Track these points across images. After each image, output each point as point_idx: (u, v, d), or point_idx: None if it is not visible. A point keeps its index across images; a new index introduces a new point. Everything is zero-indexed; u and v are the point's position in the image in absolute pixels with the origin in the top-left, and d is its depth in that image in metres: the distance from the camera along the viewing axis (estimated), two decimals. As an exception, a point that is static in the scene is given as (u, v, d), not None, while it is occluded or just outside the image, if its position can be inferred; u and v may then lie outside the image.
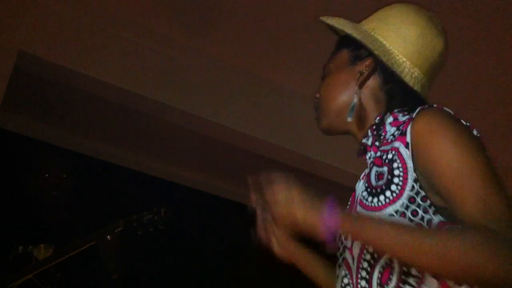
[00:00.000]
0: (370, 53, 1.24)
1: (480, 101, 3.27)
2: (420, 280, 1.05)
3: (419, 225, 1.06)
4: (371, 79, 1.25)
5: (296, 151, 3.31)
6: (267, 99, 3.32)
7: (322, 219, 1.04)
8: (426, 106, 1.14)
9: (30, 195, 3.38)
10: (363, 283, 1.11)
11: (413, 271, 1.05)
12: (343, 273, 1.18)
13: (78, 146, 3.62)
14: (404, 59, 1.23)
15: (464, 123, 1.12)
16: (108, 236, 2.12)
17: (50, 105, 3.28)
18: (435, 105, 1.13)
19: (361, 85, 1.25)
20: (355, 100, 1.24)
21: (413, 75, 1.23)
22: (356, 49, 1.27)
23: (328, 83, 1.30)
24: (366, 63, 1.25)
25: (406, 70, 1.22)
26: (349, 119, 1.23)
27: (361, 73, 1.25)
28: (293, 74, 3.23)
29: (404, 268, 1.06)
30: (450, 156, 1.05)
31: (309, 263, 1.40)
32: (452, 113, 1.12)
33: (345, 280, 1.16)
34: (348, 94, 1.26)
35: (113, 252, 2.10)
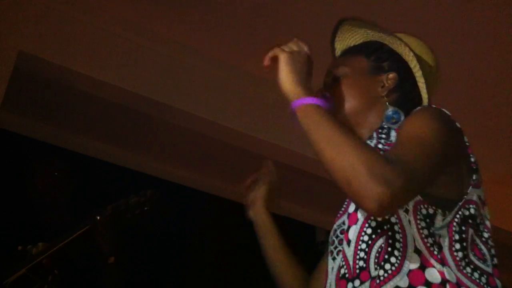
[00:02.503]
0: (392, 68, 1.35)
1: (480, 101, 3.27)
2: (402, 255, 1.11)
3: (405, 211, 1.14)
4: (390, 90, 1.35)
5: (296, 151, 3.31)
6: (267, 99, 3.32)
7: (296, 96, 1.17)
8: (425, 105, 1.21)
9: (30, 195, 3.38)
10: (361, 263, 1.16)
11: (397, 244, 1.12)
12: (338, 264, 1.22)
13: (78, 146, 3.62)
14: (422, 80, 1.34)
15: (457, 125, 1.20)
16: (98, 217, 2.14)
17: (50, 105, 3.28)
18: (433, 106, 1.23)
19: (388, 95, 1.34)
20: (390, 109, 1.31)
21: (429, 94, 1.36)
22: (378, 61, 1.36)
23: (349, 85, 1.35)
24: (390, 76, 1.35)
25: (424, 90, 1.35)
26: (385, 123, 1.32)
27: (384, 84, 1.34)
28: (293, 74, 3.23)
29: (390, 243, 1.12)
30: (413, 126, 1.14)
31: (268, 235, 1.52)
32: (448, 113, 1.20)
33: (342, 271, 1.20)
34: (367, 99, 1.34)
35: (106, 235, 2.12)
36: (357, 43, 1.44)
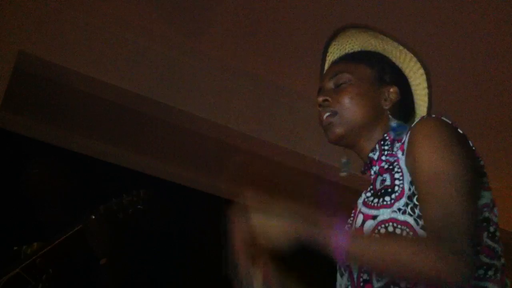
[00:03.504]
0: (394, 82, 1.34)
1: (480, 101, 3.27)
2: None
3: (416, 221, 1.13)
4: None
5: (296, 151, 3.31)
6: (267, 100, 3.32)
7: (331, 237, 1.06)
8: (425, 116, 1.22)
9: (30, 195, 3.37)
10: (365, 276, 1.16)
11: None
12: (345, 280, 1.23)
13: (78, 146, 3.62)
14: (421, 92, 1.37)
15: (460, 132, 1.19)
16: (93, 216, 2.13)
17: (50, 105, 3.28)
18: (433, 115, 1.21)
19: (391, 108, 1.33)
20: (395, 122, 1.31)
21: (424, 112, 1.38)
22: (381, 72, 1.35)
23: (355, 94, 1.32)
24: (392, 89, 1.34)
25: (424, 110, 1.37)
26: (392, 136, 1.30)
27: (386, 96, 1.33)
28: (294, 74, 3.23)
29: None
30: (430, 159, 1.12)
31: None
32: (450, 122, 1.19)
33: (347, 283, 1.21)
34: (371, 110, 1.32)
35: (98, 236, 2.11)
36: (355, 51, 1.41)
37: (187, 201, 3.96)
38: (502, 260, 1.18)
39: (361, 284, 1.17)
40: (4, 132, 3.30)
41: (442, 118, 1.19)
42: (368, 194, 1.24)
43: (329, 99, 1.33)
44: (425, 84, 1.35)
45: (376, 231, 1.15)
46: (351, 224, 1.30)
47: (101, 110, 3.27)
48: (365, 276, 1.16)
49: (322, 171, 3.39)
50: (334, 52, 1.45)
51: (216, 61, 3.18)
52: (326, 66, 1.46)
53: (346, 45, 1.43)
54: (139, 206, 2.17)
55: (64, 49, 2.83)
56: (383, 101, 1.32)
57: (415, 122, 1.21)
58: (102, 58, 2.91)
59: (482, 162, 1.21)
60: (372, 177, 1.29)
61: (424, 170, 1.11)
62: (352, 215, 1.33)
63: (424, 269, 1.01)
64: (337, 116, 1.31)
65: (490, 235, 1.18)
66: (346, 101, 1.31)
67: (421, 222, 1.12)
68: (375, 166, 1.28)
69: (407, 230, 1.12)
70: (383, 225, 1.15)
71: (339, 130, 1.31)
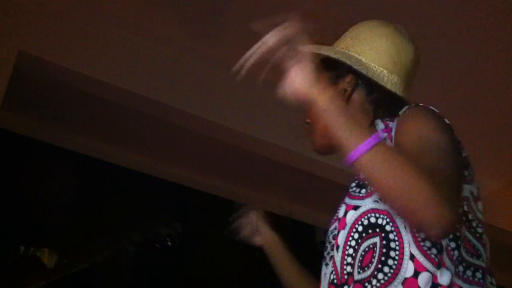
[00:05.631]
0: (349, 70, 1.31)
1: (479, 102, 3.27)
2: (398, 263, 1.10)
3: None
4: (355, 93, 1.33)
5: (296, 151, 3.30)
6: (267, 99, 3.31)
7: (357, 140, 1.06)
8: (412, 105, 1.20)
9: (30, 196, 3.38)
10: (349, 268, 1.16)
11: (392, 253, 1.11)
12: (330, 269, 1.23)
13: (78, 146, 3.62)
14: (381, 69, 1.31)
15: (447, 122, 1.19)
16: (128, 246, 2.15)
17: (50, 105, 3.28)
18: (421, 104, 1.22)
19: (347, 101, 1.31)
20: None
21: (393, 82, 1.31)
22: (335, 69, 1.34)
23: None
24: (347, 80, 1.32)
25: (386, 78, 1.30)
26: None
27: (345, 90, 1.32)
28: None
29: (384, 250, 1.12)
30: (416, 136, 1.13)
31: (284, 263, 1.54)
32: (436, 111, 1.20)
33: (332, 276, 1.21)
34: None
35: (130, 263, 2.13)
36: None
37: (186, 201, 3.96)
38: (486, 264, 1.17)
39: (345, 276, 1.17)
40: (4, 132, 3.31)
41: (430, 107, 1.21)
42: (353, 184, 1.25)
43: (307, 120, 1.40)
44: (374, 55, 1.31)
45: (360, 222, 1.17)
46: (335, 219, 1.30)
47: (101, 110, 3.27)
48: (348, 269, 1.16)
49: (322, 170, 3.39)
50: None
51: (216, 61, 3.18)
52: None
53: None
54: (177, 241, 2.21)
55: (64, 49, 2.83)
56: (343, 97, 1.31)
57: (402, 110, 1.22)
58: (102, 58, 2.91)
59: (465, 154, 1.21)
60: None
61: (409, 142, 1.12)
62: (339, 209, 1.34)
63: (417, 202, 1.01)
64: (313, 133, 1.37)
65: (472, 230, 1.18)
66: (314, 116, 1.34)
67: None
68: None
69: (388, 220, 1.13)
70: (365, 216, 1.16)
71: (317, 144, 1.38)
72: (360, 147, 1.05)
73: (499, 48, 2.94)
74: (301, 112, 1.40)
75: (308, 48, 1.33)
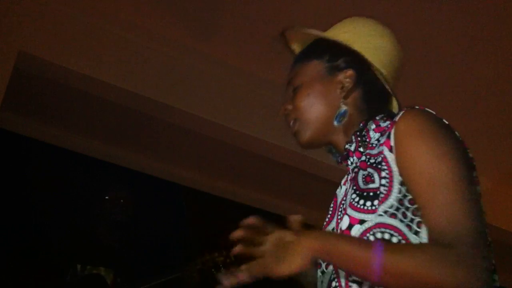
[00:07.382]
0: (350, 65, 1.28)
1: (479, 103, 3.27)
2: None
3: (408, 226, 1.09)
4: (353, 90, 1.28)
5: (296, 151, 3.30)
6: (267, 99, 3.32)
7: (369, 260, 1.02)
8: (409, 108, 1.17)
9: (30, 196, 3.38)
10: (355, 286, 1.13)
11: None
12: (328, 278, 1.19)
13: (78, 146, 3.62)
14: (382, 70, 1.27)
15: (446, 122, 1.15)
16: (195, 274, 2.26)
17: (50, 105, 3.28)
18: (417, 107, 1.16)
19: (346, 96, 1.27)
20: (344, 108, 1.26)
21: (390, 83, 1.28)
22: (333, 60, 1.29)
23: (307, 94, 1.29)
24: (347, 73, 1.28)
25: (386, 76, 1.28)
26: (336, 124, 1.26)
27: (343, 84, 1.27)
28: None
29: None
30: (424, 162, 1.08)
31: None
32: (434, 113, 1.15)
33: (333, 284, 1.17)
34: (330, 104, 1.28)
35: (192, 285, 2.23)
36: (307, 46, 1.36)
37: (185, 201, 3.96)
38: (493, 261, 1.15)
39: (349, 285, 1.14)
40: (4, 132, 3.31)
41: (427, 109, 1.15)
42: (351, 191, 1.20)
43: (288, 107, 1.32)
44: (380, 57, 1.28)
45: (365, 237, 1.12)
46: (330, 219, 1.28)
47: (101, 110, 3.27)
48: (354, 287, 1.13)
49: (322, 170, 3.38)
50: (296, 50, 1.41)
51: (217, 61, 3.18)
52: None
53: (296, 45, 1.40)
54: (232, 269, 2.26)
55: (64, 49, 2.83)
56: (339, 91, 1.27)
57: (399, 116, 1.15)
58: (102, 58, 2.91)
59: (471, 155, 1.17)
60: (350, 168, 1.26)
61: (418, 176, 1.08)
62: (332, 207, 1.31)
63: (442, 278, 0.97)
64: (298, 123, 1.30)
65: None
66: (301, 105, 1.29)
67: (414, 227, 1.09)
68: (352, 157, 1.25)
69: (397, 235, 1.09)
70: (371, 231, 1.11)
71: (304, 136, 1.30)
72: (376, 261, 1.01)
73: (498, 48, 2.94)
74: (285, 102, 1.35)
75: (312, 32, 1.32)
